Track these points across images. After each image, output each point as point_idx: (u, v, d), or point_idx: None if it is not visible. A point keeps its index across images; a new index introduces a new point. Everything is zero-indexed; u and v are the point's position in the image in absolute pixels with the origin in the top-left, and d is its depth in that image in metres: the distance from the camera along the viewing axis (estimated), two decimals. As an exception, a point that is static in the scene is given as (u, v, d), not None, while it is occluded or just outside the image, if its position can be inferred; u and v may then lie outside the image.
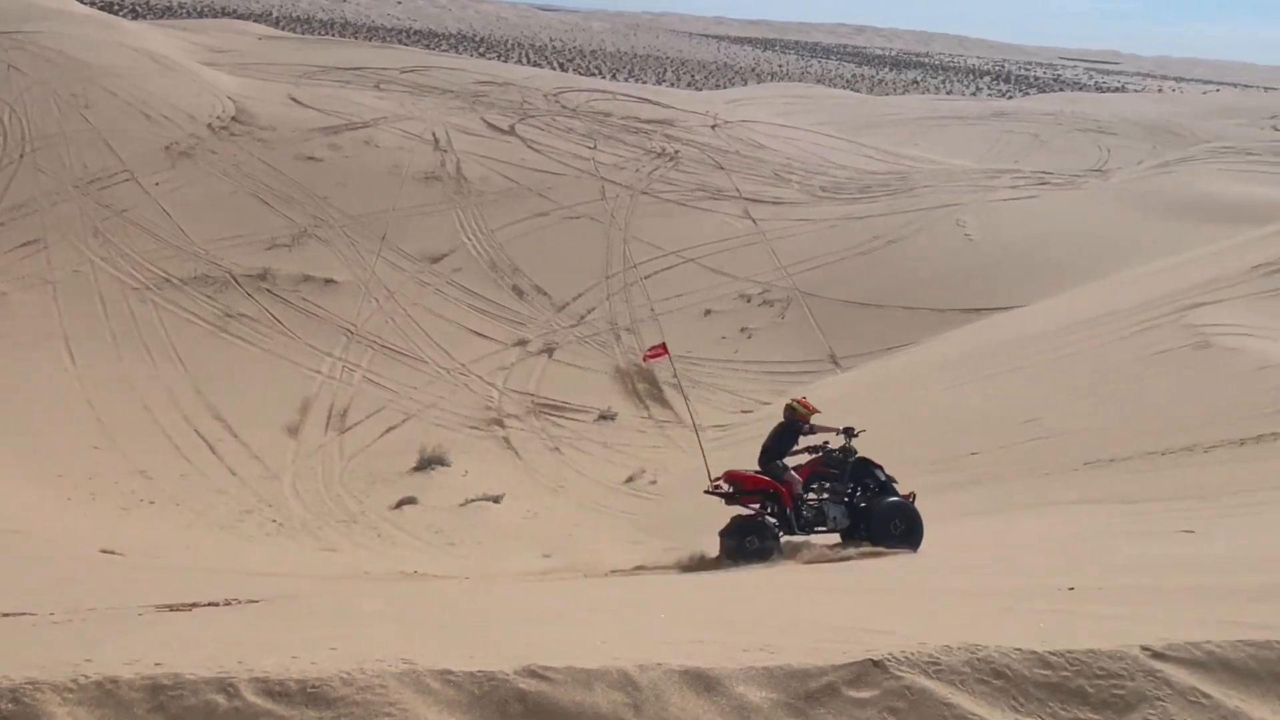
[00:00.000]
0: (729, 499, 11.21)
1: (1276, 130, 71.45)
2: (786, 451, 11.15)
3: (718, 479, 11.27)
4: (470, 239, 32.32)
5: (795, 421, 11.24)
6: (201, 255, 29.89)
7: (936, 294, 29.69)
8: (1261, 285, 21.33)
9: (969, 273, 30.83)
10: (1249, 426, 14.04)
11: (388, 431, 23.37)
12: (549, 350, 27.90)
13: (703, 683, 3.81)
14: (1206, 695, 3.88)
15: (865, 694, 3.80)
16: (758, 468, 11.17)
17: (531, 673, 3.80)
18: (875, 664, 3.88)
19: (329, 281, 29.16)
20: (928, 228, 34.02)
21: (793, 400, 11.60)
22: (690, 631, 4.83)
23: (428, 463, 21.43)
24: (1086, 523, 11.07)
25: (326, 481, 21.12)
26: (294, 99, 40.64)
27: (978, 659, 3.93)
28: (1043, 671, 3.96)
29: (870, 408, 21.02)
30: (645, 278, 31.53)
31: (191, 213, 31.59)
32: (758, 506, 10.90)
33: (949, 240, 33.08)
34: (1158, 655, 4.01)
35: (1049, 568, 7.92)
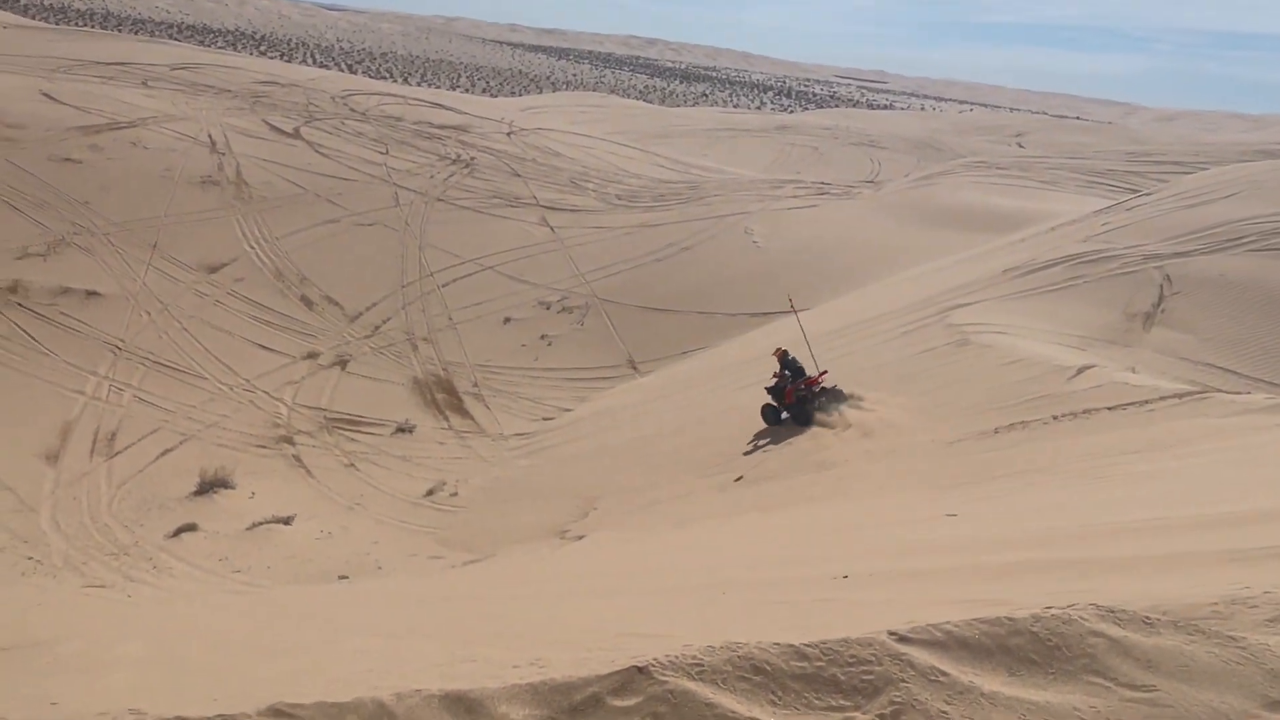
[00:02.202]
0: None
1: (1020, 146, 79.07)
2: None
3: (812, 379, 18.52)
4: (253, 247, 30.92)
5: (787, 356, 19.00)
6: (-63, 266, 27.05)
7: (728, 298, 30.62)
8: (1010, 287, 23.35)
9: (758, 277, 32.00)
10: (1001, 416, 15.28)
11: (164, 454, 22.08)
12: (342, 363, 27.06)
13: (464, 706, 3.71)
14: (944, 673, 3.99)
15: (629, 702, 3.79)
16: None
17: (277, 712, 3.61)
18: (640, 670, 3.87)
19: (91, 294, 27.05)
20: (719, 235, 35.05)
21: (781, 348, 19.31)
22: (462, 649, 4.75)
23: (209, 486, 20.46)
24: (872, 511, 11.66)
25: (93, 512, 19.64)
26: (47, 95, 37.43)
27: (738, 657, 3.98)
28: (799, 664, 4.03)
29: (666, 411, 21.44)
30: (443, 286, 31.03)
31: (-77, 219, 28.56)
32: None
33: (739, 246, 34.25)
34: (903, 639, 4.12)
35: (827, 557, 8.23)
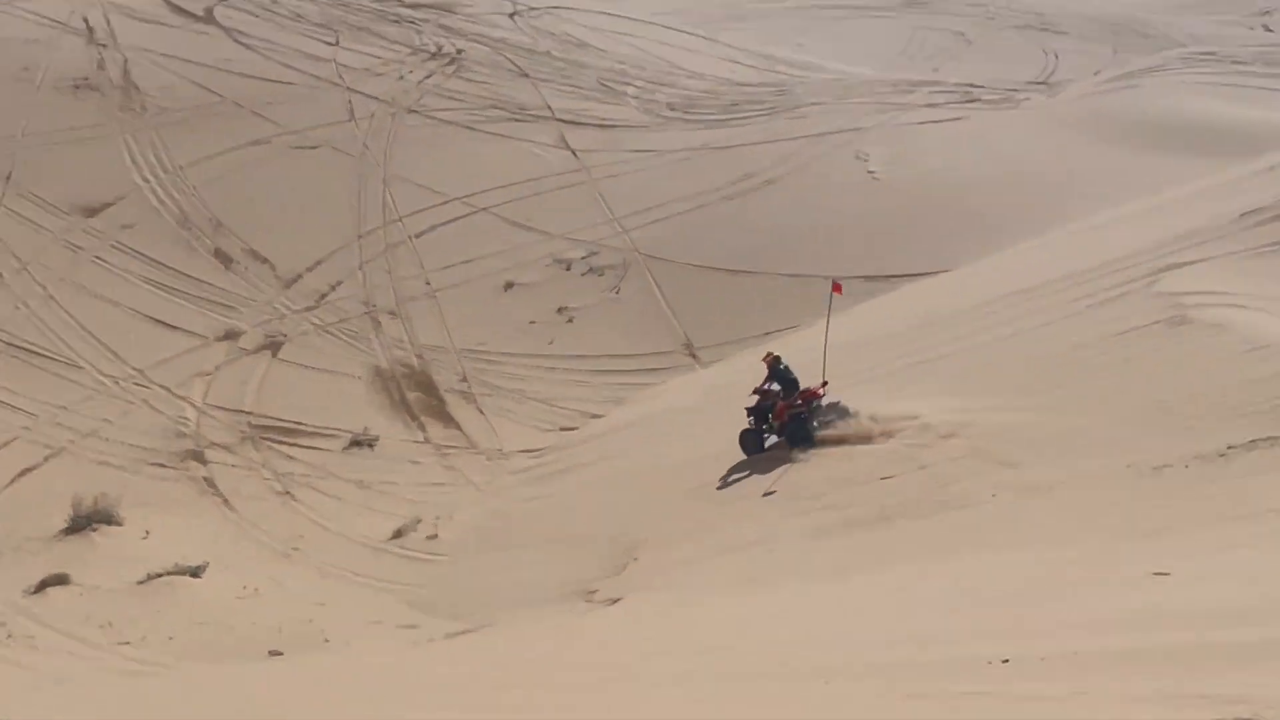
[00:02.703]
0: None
1: (1269, 31, 77.16)
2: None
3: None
4: (147, 179, 30.95)
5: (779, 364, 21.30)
6: None
7: (830, 255, 30.00)
8: (1251, 240, 22.84)
9: (874, 225, 31.57)
10: (1234, 430, 14.91)
11: (21, 475, 22.52)
12: (273, 346, 27.08)
13: None
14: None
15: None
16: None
17: None
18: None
19: (-87, 246, 27.97)
20: (817, 162, 34.52)
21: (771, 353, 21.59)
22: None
23: (86, 521, 20.82)
24: (1037, 567, 11.65)
25: (-84, 556, 20.06)
26: None
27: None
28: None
29: (738, 421, 21.45)
30: (416, 236, 30.86)
31: None
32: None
33: (847, 178, 33.73)
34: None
35: (976, 632, 8.22)
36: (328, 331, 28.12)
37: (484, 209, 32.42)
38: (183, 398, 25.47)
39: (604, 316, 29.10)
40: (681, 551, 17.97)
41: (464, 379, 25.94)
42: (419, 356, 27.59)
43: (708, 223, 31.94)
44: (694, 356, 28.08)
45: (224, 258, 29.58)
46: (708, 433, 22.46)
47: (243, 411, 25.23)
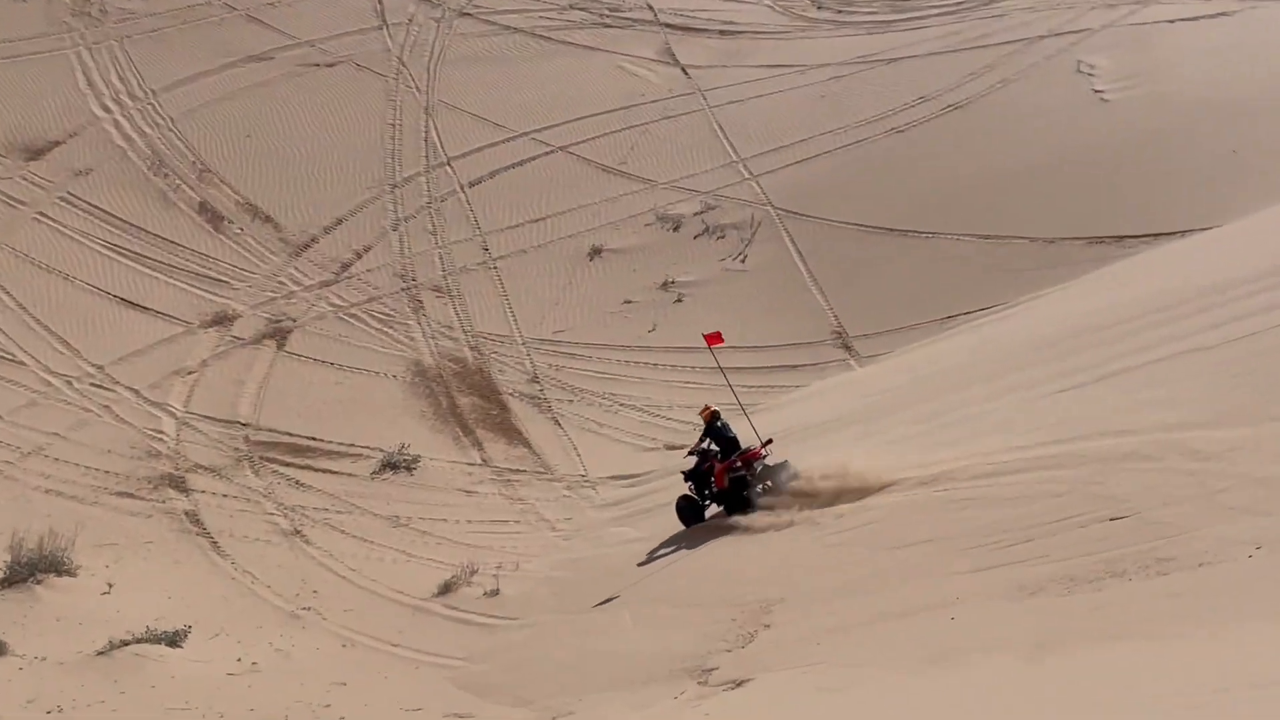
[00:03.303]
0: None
1: None
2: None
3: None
4: (109, 108, 31.33)
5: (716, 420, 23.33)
6: None
7: (1039, 209, 29.96)
8: None
9: (1100, 165, 31.24)
10: None
11: None
12: (277, 334, 27.36)
13: None
14: None
15: None
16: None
17: None
18: None
19: None
20: (1022, 79, 34.32)
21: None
22: None
23: (28, 570, 21.07)
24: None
25: None
26: None
27: None
28: None
29: (911, 438, 21.67)
30: (470, 185, 30.94)
31: None
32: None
33: (1064, 102, 33.42)
34: None
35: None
36: (351, 315, 28.27)
37: (561, 148, 32.38)
38: (159, 404, 25.58)
39: (724, 294, 29.00)
40: (829, 616, 17.80)
41: (534, 379, 26.18)
42: (474, 349, 27.72)
43: (867, 165, 31.68)
44: (847, 348, 27.95)
45: (212, 215, 29.87)
46: (867, 455, 22.08)
47: (237, 423, 25.24)
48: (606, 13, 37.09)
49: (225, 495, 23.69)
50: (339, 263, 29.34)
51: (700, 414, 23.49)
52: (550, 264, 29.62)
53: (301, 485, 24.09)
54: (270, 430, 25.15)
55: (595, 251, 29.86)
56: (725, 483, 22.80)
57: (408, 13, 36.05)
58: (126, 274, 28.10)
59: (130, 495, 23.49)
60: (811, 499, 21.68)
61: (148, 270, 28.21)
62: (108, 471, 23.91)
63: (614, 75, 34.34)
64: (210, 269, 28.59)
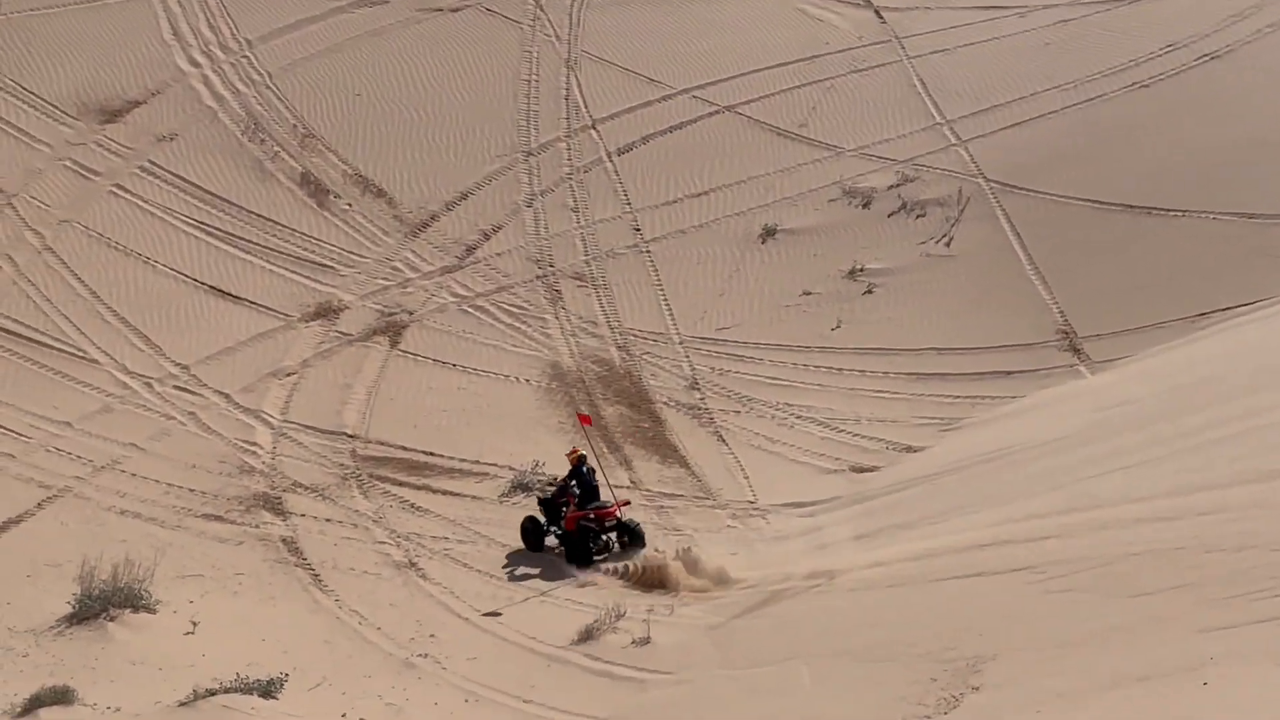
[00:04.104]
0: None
1: None
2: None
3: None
4: (199, 62, 31.44)
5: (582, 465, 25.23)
6: None
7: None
8: None
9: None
10: None
11: (7, 529, 22.29)
12: (391, 330, 27.30)
13: None
14: None
15: None
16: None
17: None
18: None
19: None
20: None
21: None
22: None
23: (101, 604, 20.28)
24: None
25: None
26: None
27: None
28: None
29: (1162, 461, 20.35)
30: (619, 152, 30.96)
31: None
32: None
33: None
34: None
35: None
36: (477, 307, 27.94)
37: (727, 108, 32.10)
38: (253, 411, 25.30)
39: (924, 285, 28.52)
40: (1053, 677, 16.16)
41: (694, 385, 25.41)
42: (622, 348, 27.40)
43: (1101, 128, 31.14)
44: (1076, 352, 27.33)
45: (315, 188, 29.71)
46: (1101, 483, 21.02)
47: (343, 434, 25.01)
48: (780, -46, 37.34)
49: (328, 520, 23.23)
50: (463, 245, 29.33)
51: (568, 455, 24.94)
52: (714, 247, 29.25)
53: (417, 509, 23.74)
54: (381, 443, 25.03)
55: (768, 232, 29.29)
56: (575, 528, 24.47)
57: (547, -49, 36.14)
58: (216, 257, 27.93)
59: (218, 518, 23.06)
60: (651, 578, 23.23)
61: (240, 253, 28.07)
62: (192, 490, 23.55)
63: (792, 20, 33.71)
64: (313, 252, 28.42)
